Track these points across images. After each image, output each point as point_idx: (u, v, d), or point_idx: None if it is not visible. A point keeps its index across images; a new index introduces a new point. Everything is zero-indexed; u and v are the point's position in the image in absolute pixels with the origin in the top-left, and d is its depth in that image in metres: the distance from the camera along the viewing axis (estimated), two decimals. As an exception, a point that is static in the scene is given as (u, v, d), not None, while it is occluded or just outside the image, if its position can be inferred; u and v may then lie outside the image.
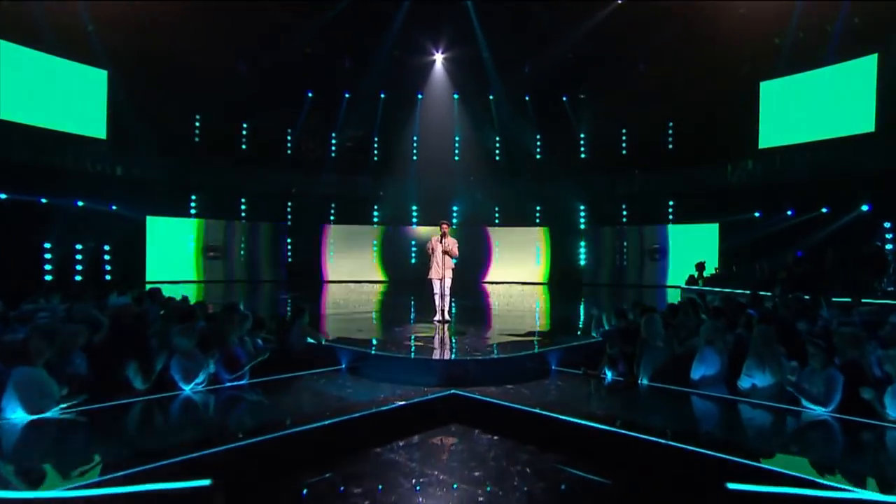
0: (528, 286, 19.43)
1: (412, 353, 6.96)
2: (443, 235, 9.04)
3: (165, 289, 9.35)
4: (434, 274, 9.11)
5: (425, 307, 10.35)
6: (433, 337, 8.21)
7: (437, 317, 9.32)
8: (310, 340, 7.44)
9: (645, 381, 6.04)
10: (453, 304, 10.00)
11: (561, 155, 19.92)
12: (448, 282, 9.17)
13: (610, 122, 19.25)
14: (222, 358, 5.85)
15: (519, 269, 20.46)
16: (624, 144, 19.99)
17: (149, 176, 16.87)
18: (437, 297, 9.23)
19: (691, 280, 15.08)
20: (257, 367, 6.23)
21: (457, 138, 20.98)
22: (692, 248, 17.91)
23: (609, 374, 6.35)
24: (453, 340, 7.79)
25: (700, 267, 14.94)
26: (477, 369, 6.29)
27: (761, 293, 9.89)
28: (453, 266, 9.13)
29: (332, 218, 20.72)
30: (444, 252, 9.06)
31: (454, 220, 19.05)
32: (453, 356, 6.66)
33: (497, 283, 20.11)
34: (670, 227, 19.07)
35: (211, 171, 18.54)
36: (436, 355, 6.90)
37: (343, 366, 7.05)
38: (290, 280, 19.49)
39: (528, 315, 12.12)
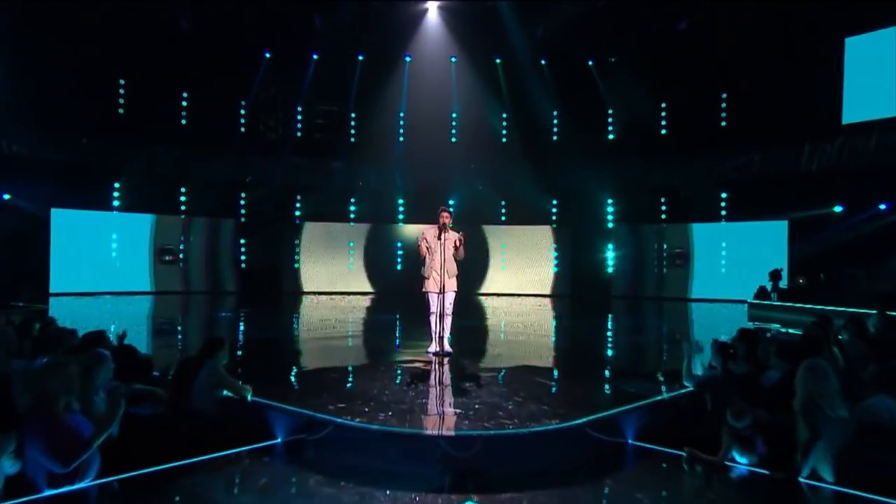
0: (542, 299, 17.90)
1: (395, 425, 4.71)
2: (442, 229, 7.30)
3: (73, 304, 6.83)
4: (431, 285, 7.45)
5: (415, 331, 8.99)
6: (427, 384, 6.20)
7: (433, 347, 7.64)
8: (226, 394, 4.95)
9: (826, 477, 3.74)
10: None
11: (584, 136, 18.09)
12: (451, 296, 7.47)
13: (646, 94, 17.41)
14: (46, 437, 3.32)
15: (530, 279, 18.88)
16: (664, 122, 18.15)
17: (54, 157, 14.79)
18: (433, 319, 7.54)
19: (762, 293, 12.83)
20: (121, 445, 3.70)
21: (454, 114, 19.21)
22: (753, 252, 16.25)
23: (741, 460, 3.94)
24: (457, 389, 5.81)
25: (775, 276, 12.71)
26: (503, 451, 4.21)
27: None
28: (457, 273, 7.48)
29: (297, 214, 18.88)
30: (448, 255, 7.36)
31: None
32: (461, 430, 4.47)
33: (503, 294, 18.49)
34: (724, 224, 17.34)
35: (140, 152, 16.60)
36: (432, 423, 4.80)
37: (279, 440, 4.90)
38: (245, 292, 17.68)
39: (556, 342, 10.19)
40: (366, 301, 17.08)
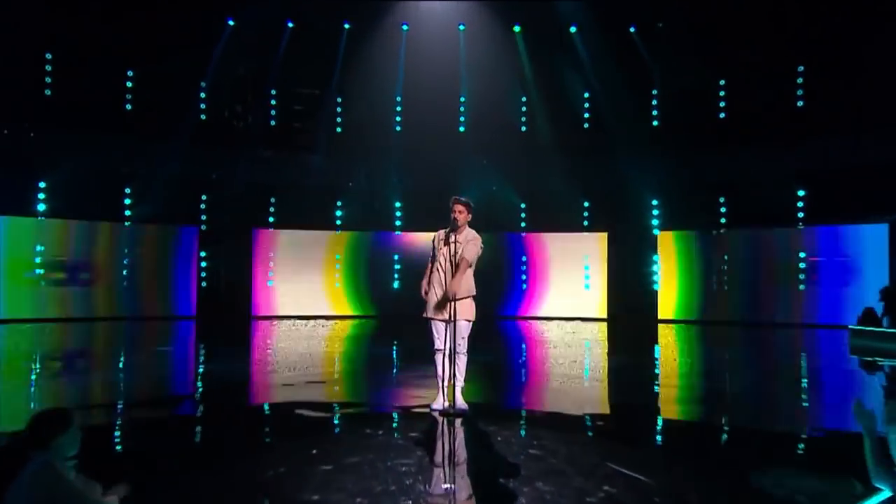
0: (573, 323, 16.40)
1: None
2: (453, 228, 6.07)
3: None
4: (433, 309, 6.12)
5: (417, 373, 7.85)
6: (431, 471, 4.54)
7: (439, 402, 6.18)
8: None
9: None
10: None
11: (623, 121, 16.66)
12: (463, 328, 6.08)
13: (701, 69, 16.03)
14: None
15: (559, 298, 17.43)
16: (723, 104, 16.70)
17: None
18: (438, 360, 6.11)
19: (869, 317, 10.75)
20: None
21: (462, 97, 17.99)
22: (844, 263, 14.79)
23: None
24: (480, 479, 4.28)
25: (890, 296, 10.58)
26: None
27: None
28: (473, 293, 6.14)
29: (270, 220, 17.55)
30: (455, 261, 6.04)
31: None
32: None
33: (525, 318, 17.14)
34: (802, 230, 15.85)
35: (73, 143, 14.99)
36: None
37: None
38: (203, 316, 16.23)
39: (618, 391, 8.28)
40: (355, 328, 15.69)
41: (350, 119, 17.84)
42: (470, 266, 5.99)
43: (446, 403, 5.96)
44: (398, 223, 18.00)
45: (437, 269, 6.07)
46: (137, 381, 8.83)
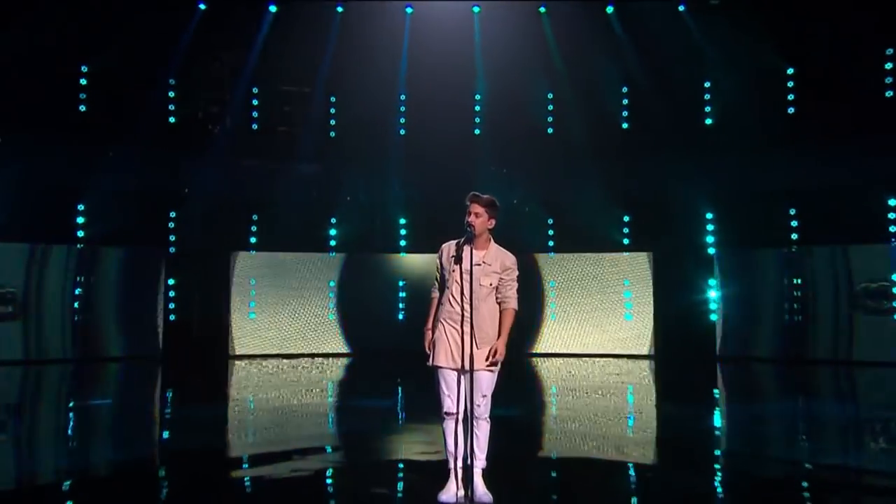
0: (613, 361, 15.55)
1: None
2: (469, 239, 4.90)
3: None
4: (442, 354, 4.89)
5: (422, 435, 7.13)
6: None
7: (451, 493, 4.91)
8: None
9: None
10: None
11: (670, 120, 15.73)
12: (485, 378, 4.87)
13: (768, 53, 15.13)
14: None
15: (595, 332, 16.49)
16: (791, 96, 15.54)
17: None
18: (448, 428, 4.87)
19: None
20: None
21: (478, 94, 17.21)
22: None
23: None
24: None
25: None
26: None
27: None
28: (498, 334, 4.96)
29: (251, 241, 16.73)
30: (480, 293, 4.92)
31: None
32: None
33: (554, 355, 16.19)
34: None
35: (13, 153, 14.16)
36: None
37: None
38: (171, 356, 15.35)
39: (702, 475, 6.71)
40: (351, 369, 14.96)
41: (345, 121, 17.19)
42: (508, 299, 4.88)
43: (461, 493, 4.74)
44: (403, 243, 17.19)
45: (449, 300, 4.83)
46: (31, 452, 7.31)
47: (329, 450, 7.55)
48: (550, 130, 17.18)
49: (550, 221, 17.09)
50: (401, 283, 16.73)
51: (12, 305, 14.23)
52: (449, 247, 4.92)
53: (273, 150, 16.79)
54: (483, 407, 4.73)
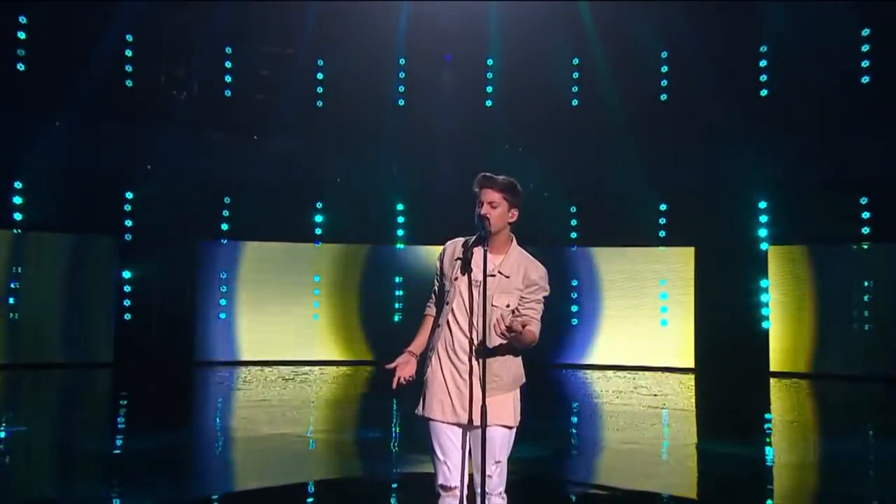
0: (647, 374, 14.83)
1: None
2: (482, 238, 3.74)
3: None
4: (435, 404, 3.80)
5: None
6: None
7: None
8: None
9: None
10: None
11: (719, 90, 15.04)
12: (500, 437, 3.78)
13: (834, 14, 14.14)
14: None
15: (625, 339, 15.78)
16: (866, 62, 14.63)
17: None
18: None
19: None
20: None
21: (490, 59, 16.60)
22: None
23: None
24: None
25: None
26: None
27: None
28: (522, 381, 3.94)
29: (223, 227, 16.12)
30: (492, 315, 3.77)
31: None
32: None
33: (577, 366, 15.56)
34: None
35: None
36: None
37: None
38: (125, 362, 14.61)
39: None
40: (339, 381, 14.28)
41: (335, 89, 16.52)
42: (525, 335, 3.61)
43: None
44: (400, 233, 16.67)
45: (449, 323, 3.77)
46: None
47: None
48: (575, 102, 16.47)
49: (574, 210, 16.49)
50: (397, 280, 16.21)
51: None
52: (454, 246, 3.90)
53: (249, 123, 16.16)
54: (497, 478, 3.66)
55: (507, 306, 3.66)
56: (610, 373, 14.85)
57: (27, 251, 14.22)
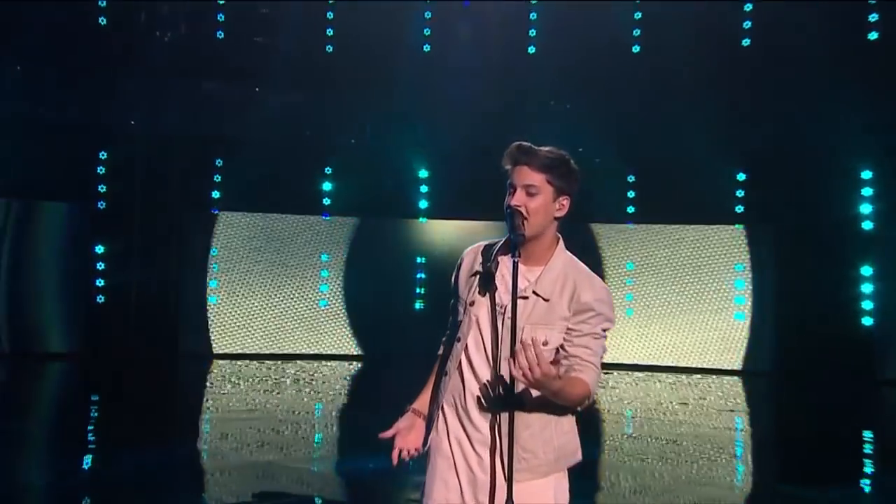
0: (716, 379, 14.05)
1: None
2: (516, 245, 2.68)
3: None
4: (444, 490, 2.89)
5: None
6: None
7: None
8: None
9: None
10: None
11: (813, 31, 13.64)
12: None
13: None
14: None
15: (691, 335, 14.73)
16: None
17: None
18: None
19: None
20: None
21: None
22: None
23: None
24: None
25: None
26: None
27: None
28: (577, 459, 2.89)
29: (214, 195, 15.30)
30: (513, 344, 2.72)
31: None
32: None
33: (633, 367, 14.56)
34: None
35: None
36: None
37: None
38: (93, 354, 13.74)
39: None
40: (343, 384, 13.24)
41: (347, 31, 15.27)
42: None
43: None
44: (423, 205, 15.73)
45: (461, 368, 2.86)
46: None
47: None
48: (637, 49, 15.03)
49: (632, 179, 15.41)
50: (419, 260, 15.34)
51: None
52: (473, 256, 3.01)
53: (245, 70, 14.96)
54: None
55: (546, 344, 2.73)
56: (669, 376, 13.57)
57: None
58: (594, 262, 14.46)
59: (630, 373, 13.92)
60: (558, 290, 2.75)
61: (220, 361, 13.90)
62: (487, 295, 2.79)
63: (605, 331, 2.75)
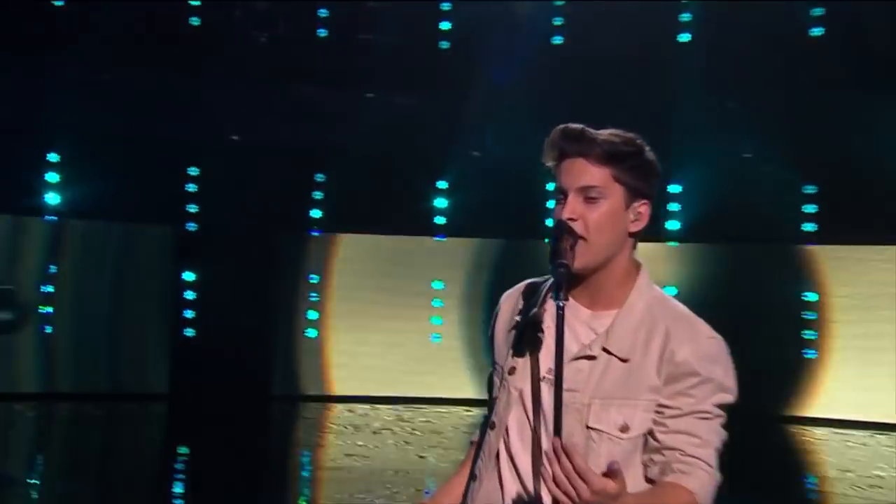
0: None
1: None
2: (566, 280, 1.99)
3: None
4: None
5: None
6: None
7: None
8: None
9: None
10: None
11: None
12: None
13: None
14: None
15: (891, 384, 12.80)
16: None
17: None
18: None
19: None
20: None
21: None
22: None
23: None
24: None
25: None
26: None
27: None
28: None
29: (313, 215, 14.54)
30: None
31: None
32: None
33: (819, 421, 13.04)
34: None
35: None
36: None
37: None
38: (185, 398, 13.18)
39: None
40: (464, 429, 12.17)
41: (464, 22, 14.27)
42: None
43: None
44: (550, 223, 13.77)
45: (499, 467, 2.22)
46: None
47: None
48: (817, 32, 13.08)
49: (811, 190, 13.37)
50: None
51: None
52: (514, 300, 2.37)
53: (349, 72, 13.95)
54: None
55: (626, 430, 2.04)
56: (865, 434, 11.60)
57: (63, 245, 12.73)
58: (765, 296, 12.84)
59: (811, 429, 12.07)
60: (641, 346, 2.09)
61: (314, 406, 13.21)
62: (530, 356, 2.17)
63: (720, 406, 2.06)
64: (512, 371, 2.11)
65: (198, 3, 13.53)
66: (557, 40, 13.97)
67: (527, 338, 2.10)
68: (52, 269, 12.56)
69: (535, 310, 2.10)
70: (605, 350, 1.98)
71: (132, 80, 12.83)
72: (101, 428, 11.78)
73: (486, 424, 2.21)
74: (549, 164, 2.09)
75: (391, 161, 13.95)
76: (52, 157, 12.65)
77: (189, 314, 13.30)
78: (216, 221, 13.74)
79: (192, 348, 13.39)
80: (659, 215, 13.92)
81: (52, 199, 12.73)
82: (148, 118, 12.93)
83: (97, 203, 12.85)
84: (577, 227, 1.93)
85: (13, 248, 12.53)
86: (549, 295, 2.03)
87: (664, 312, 2.02)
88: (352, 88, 14.04)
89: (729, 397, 2.00)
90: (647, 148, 2.06)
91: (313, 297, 13.61)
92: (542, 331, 2.06)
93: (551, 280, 2.04)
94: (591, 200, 1.98)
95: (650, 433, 1.95)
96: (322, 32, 13.84)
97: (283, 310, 13.80)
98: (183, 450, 10.21)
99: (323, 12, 13.81)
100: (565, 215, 1.95)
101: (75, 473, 9.22)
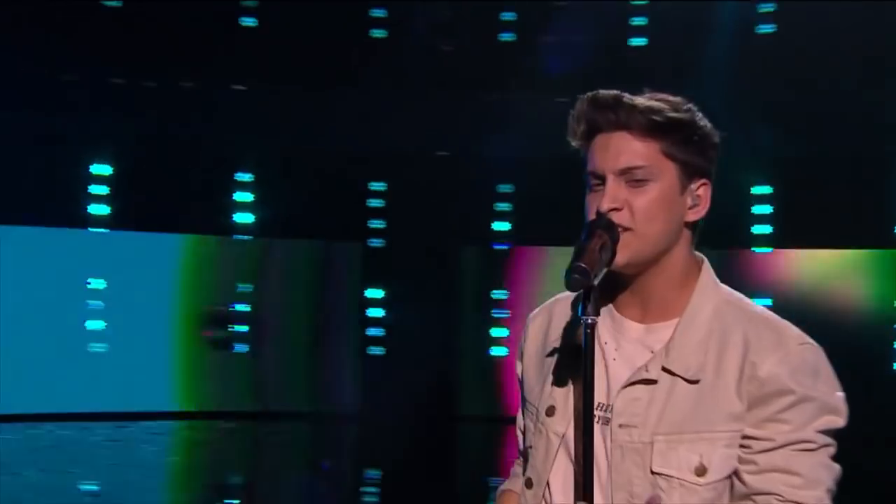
0: None
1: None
2: (615, 291, 1.82)
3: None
4: None
5: None
6: None
7: None
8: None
9: None
10: None
11: None
12: None
13: None
14: None
15: None
16: None
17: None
18: None
19: None
20: None
21: None
22: None
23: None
24: None
25: None
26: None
27: None
28: None
29: (499, 226, 14.46)
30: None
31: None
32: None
33: None
34: None
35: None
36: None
37: None
38: (369, 416, 13.34)
39: None
40: None
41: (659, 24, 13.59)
42: None
43: None
44: (765, 230, 13.91)
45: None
46: None
47: None
48: None
49: None
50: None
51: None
52: (545, 319, 2.03)
53: (539, 74, 13.19)
54: None
55: (701, 474, 1.69)
56: None
57: (253, 264, 12.97)
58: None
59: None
60: (713, 362, 1.71)
61: (503, 426, 12.20)
62: (572, 388, 1.76)
63: (826, 433, 1.65)
64: (550, 412, 1.73)
65: (382, 14, 13.27)
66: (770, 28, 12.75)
67: (564, 366, 1.72)
68: (244, 287, 12.79)
69: (575, 327, 1.73)
70: (666, 370, 1.66)
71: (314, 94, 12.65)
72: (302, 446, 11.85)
73: (522, 481, 1.84)
74: (577, 142, 1.78)
75: (581, 165, 13.12)
76: (243, 177, 12.81)
77: (376, 331, 13.20)
78: (397, 237, 13.58)
79: (378, 367, 13.29)
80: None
81: (246, 218, 12.87)
82: (327, 132, 12.86)
83: (287, 222, 12.94)
84: (622, 218, 1.60)
85: (223, 269, 12.89)
86: (580, 312, 1.59)
87: (738, 316, 1.69)
88: (540, 92, 12.95)
89: (837, 420, 1.65)
90: (704, 120, 1.74)
91: (500, 314, 13.18)
92: (589, 352, 1.62)
93: (582, 301, 1.61)
94: (636, 184, 1.67)
95: (736, 475, 1.63)
96: (505, 36, 13.36)
97: (469, 327, 13.44)
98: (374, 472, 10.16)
99: (507, 15, 13.31)
100: (605, 205, 1.63)
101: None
